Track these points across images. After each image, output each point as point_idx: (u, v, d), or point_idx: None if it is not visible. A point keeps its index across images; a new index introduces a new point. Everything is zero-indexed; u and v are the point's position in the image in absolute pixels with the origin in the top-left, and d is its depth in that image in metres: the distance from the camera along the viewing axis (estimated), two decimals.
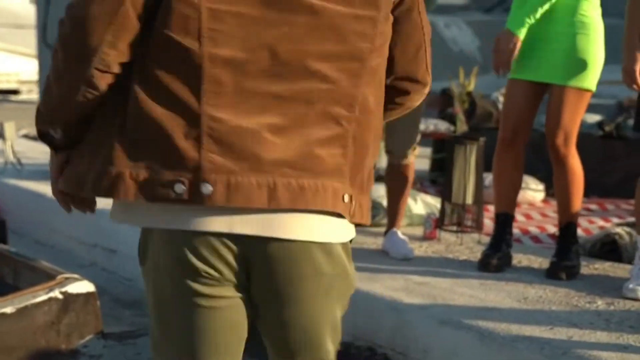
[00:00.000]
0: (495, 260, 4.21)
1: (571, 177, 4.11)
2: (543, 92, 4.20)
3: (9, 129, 6.65)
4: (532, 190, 6.61)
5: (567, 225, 4.20)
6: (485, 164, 4.91)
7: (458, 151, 4.84)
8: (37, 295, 4.03)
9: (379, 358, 3.69)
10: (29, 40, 28.87)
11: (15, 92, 28.98)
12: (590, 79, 4.07)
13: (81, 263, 5.27)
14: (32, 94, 26.60)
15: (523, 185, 5.20)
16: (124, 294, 4.92)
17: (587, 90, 4.08)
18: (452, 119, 7.67)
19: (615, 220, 5.91)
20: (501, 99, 8.10)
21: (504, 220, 4.32)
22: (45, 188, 6.35)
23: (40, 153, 8.11)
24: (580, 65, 4.03)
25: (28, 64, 29.11)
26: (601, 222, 5.94)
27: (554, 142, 4.07)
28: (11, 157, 6.80)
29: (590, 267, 4.32)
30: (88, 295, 4.13)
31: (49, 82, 1.78)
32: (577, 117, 4.08)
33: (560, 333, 3.32)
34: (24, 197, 6.32)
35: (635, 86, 3.79)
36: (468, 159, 4.81)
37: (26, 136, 10.43)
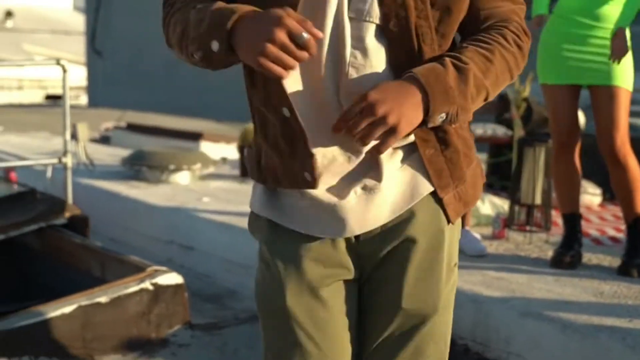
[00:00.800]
0: (568, 257, 4.34)
1: (632, 175, 4.24)
2: (579, 92, 4.34)
3: (82, 130, 6.86)
4: (590, 195, 6.70)
5: (635, 223, 4.32)
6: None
7: (527, 153, 4.97)
8: (129, 286, 4.23)
9: (459, 349, 3.83)
10: (75, 46, 29.35)
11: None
12: (631, 79, 4.25)
13: (157, 260, 5.43)
14: (79, 100, 27.02)
15: (580, 189, 5.34)
16: (204, 289, 5.09)
17: (629, 90, 4.24)
18: (509, 124, 7.78)
19: None
20: None
21: (573, 221, 4.45)
22: (119, 187, 6.58)
23: (106, 155, 8.36)
24: (622, 67, 4.17)
25: (74, 70, 29.62)
26: None
27: (613, 144, 4.20)
28: (84, 158, 7.02)
29: None
30: (177, 287, 4.33)
31: None
32: (627, 116, 4.25)
33: None
34: (98, 197, 6.54)
35: None
36: (537, 160, 4.94)
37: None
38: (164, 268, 4.43)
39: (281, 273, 1.81)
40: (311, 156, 1.72)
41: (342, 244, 1.81)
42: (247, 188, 6.35)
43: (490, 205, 5.47)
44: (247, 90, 1.83)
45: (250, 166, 1.91)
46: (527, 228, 5.00)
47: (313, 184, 1.75)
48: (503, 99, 8.21)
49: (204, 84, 18.03)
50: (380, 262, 1.83)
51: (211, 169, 7.12)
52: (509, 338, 3.68)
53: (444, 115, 1.66)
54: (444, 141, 1.77)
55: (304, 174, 1.75)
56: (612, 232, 5.64)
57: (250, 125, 3.59)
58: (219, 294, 5.05)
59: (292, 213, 1.82)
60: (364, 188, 1.77)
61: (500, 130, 7.56)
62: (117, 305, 4.16)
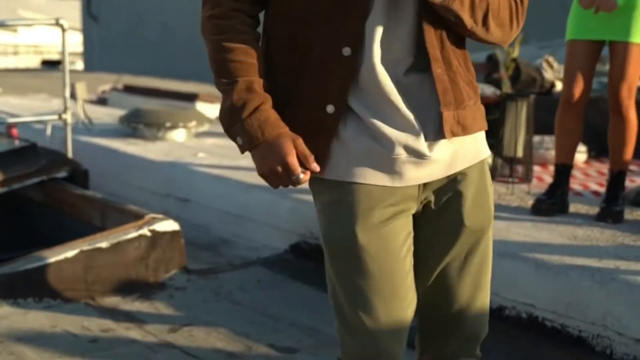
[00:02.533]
0: (547, 204, 4.56)
1: (628, 127, 4.44)
2: (600, 51, 4.50)
3: (80, 89, 7.05)
4: (576, 152, 6.90)
5: (619, 174, 4.53)
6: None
7: (510, 107, 5.18)
8: (128, 232, 4.45)
9: None
10: (70, 12, 29.36)
11: (58, 62, 29.52)
12: None
13: (155, 212, 5.64)
14: (74, 66, 27.10)
15: None
16: (199, 239, 5.31)
17: None
18: (497, 84, 7.96)
19: None
20: (545, 65, 8.41)
21: (564, 171, 4.66)
22: (117, 144, 6.78)
23: (104, 114, 8.55)
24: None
25: (70, 35, 29.68)
26: None
27: (619, 94, 4.39)
28: (82, 116, 7.21)
29: (634, 214, 4.64)
30: (173, 233, 4.55)
31: None
32: (638, 70, 4.40)
33: (609, 264, 3.68)
34: (96, 153, 6.73)
35: None
36: (519, 114, 5.15)
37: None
38: (160, 216, 4.65)
39: (353, 211, 2.00)
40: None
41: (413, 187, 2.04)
42: None
43: None
44: (299, 25, 1.97)
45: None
46: (510, 180, 5.21)
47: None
48: (492, 60, 8.41)
49: (200, 50, 18.14)
50: (440, 192, 2.06)
51: (206, 127, 7.31)
52: None
53: None
54: (448, 62, 1.98)
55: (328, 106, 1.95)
56: (595, 187, 5.84)
57: None
58: (214, 243, 5.27)
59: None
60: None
61: (489, 90, 7.73)
62: (117, 250, 4.38)
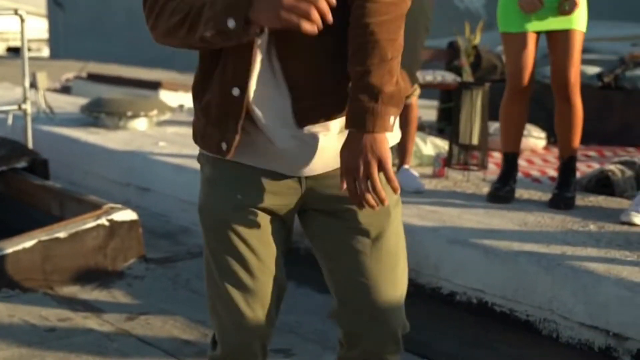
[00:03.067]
0: (504, 192, 4.64)
1: (575, 114, 4.51)
2: (538, 42, 4.58)
3: (41, 79, 7.05)
4: (535, 138, 7.01)
5: (569, 160, 4.61)
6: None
7: (465, 96, 5.25)
8: (87, 222, 4.48)
9: None
10: None
11: None
12: (585, 21, 4.49)
13: (116, 201, 5.65)
14: (41, 52, 26.88)
15: (526, 133, 5.63)
16: (159, 227, 5.35)
17: (583, 32, 4.50)
18: (458, 71, 8.05)
19: None
20: None
21: (513, 160, 4.74)
22: (78, 133, 6.79)
23: (66, 103, 8.54)
24: (579, 10, 4.42)
25: (35, 22, 29.44)
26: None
27: (566, 81, 4.46)
28: (44, 106, 7.20)
29: (585, 200, 4.74)
30: (131, 222, 4.59)
31: None
32: (580, 56, 4.50)
33: (556, 249, 3.76)
34: (58, 142, 6.73)
35: None
36: (474, 103, 5.22)
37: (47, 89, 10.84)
38: (119, 205, 4.69)
39: (229, 189, 2.04)
40: (236, 133, 1.97)
41: (290, 179, 2.05)
42: None
43: (432, 146, 5.76)
44: (202, 62, 2.03)
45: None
46: (466, 166, 5.29)
47: (226, 154, 1.99)
48: (453, 47, 8.49)
49: None
50: (326, 197, 2.06)
51: (168, 116, 7.34)
52: (437, 263, 3.98)
53: (392, 117, 1.88)
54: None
55: (222, 144, 1.99)
56: (552, 173, 5.94)
57: None
58: (173, 231, 5.32)
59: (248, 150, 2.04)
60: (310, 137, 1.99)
61: (450, 77, 7.82)
62: (75, 240, 4.41)
